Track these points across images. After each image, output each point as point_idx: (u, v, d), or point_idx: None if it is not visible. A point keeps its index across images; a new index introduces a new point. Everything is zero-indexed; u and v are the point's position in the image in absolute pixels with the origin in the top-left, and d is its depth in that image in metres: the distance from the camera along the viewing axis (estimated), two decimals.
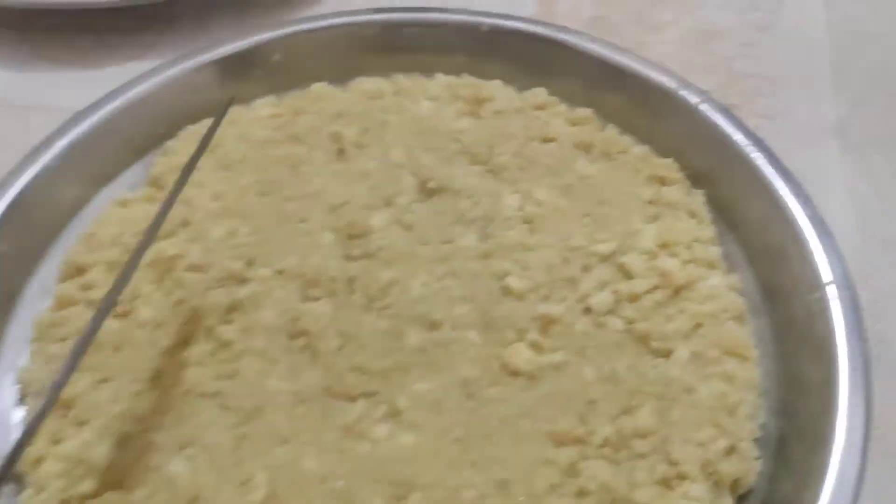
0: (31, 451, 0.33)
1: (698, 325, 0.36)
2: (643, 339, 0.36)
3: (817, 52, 0.54)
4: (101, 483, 0.32)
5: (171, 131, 0.45)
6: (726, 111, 0.42)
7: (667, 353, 0.35)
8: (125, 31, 0.54)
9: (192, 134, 0.44)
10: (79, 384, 0.35)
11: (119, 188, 0.44)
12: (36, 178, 0.41)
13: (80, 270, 0.39)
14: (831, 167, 0.47)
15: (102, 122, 0.44)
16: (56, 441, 0.33)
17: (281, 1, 0.56)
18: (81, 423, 0.34)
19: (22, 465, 0.33)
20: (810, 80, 0.52)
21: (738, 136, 0.41)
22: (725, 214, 0.41)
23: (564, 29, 0.47)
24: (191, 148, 0.42)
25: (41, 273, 0.40)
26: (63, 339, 0.36)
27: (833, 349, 0.34)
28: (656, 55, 0.52)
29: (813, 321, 0.35)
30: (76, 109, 0.44)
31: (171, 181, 0.41)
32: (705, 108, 0.42)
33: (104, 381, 0.35)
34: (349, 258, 0.39)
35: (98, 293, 0.38)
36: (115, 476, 0.32)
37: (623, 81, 0.45)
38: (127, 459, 0.32)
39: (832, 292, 0.35)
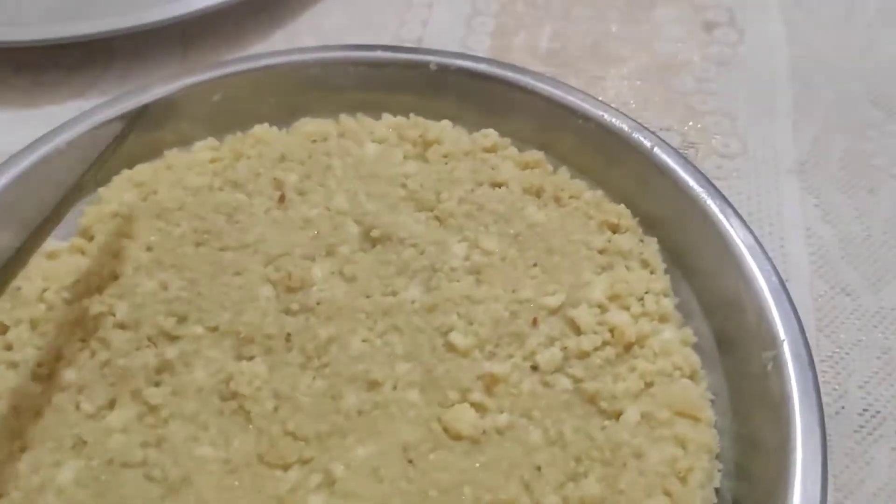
0: None
1: (649, 385, 0.35)
2: (592, 399, 0.34)
3: (779, 87, 0.53)
4: None
5: (103, 179, 0.43)
6: (680, 155, 0.41)
7: (616, 415, 0.34)
8: (64, 68, 0.52)
9: (125, 180, 0.42)
10: None
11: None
12: None
13: (2, 328, 0.37)
14: (792, 209, 0.46)
15: (34, 167, 0.42)
16: None
17: (224, 39, 0.54)
18: None
19: None
20: (771, 116, 0.51)
21: (692, 182, 0.40)
22: (679, 262, 0.40)
23: (514, 67, 0.46)
24: (123, 195, 0.41)
25: None
26: None
27: (789, 412, 0.32)
28: (613, 91, 0.51)
29: (768, 380, 0.34)
30: (12, 151, 0.42)
31: (99, 233, 0.40)
32: (659, 151, 0.41)
33: (23, 450, 0.33)
34: (287, 312, 0.37)
35: (20, 354, 0.36)
36: None
37: (575, 123, 0.44)
38: None
39: (787, 350, 0.34)
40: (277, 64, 0.46)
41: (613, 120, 0.43)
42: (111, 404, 0.34)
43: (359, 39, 0.49)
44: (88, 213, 0.41)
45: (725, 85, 0.53)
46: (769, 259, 0.37)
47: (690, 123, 0.50)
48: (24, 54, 0.52)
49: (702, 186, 0.40)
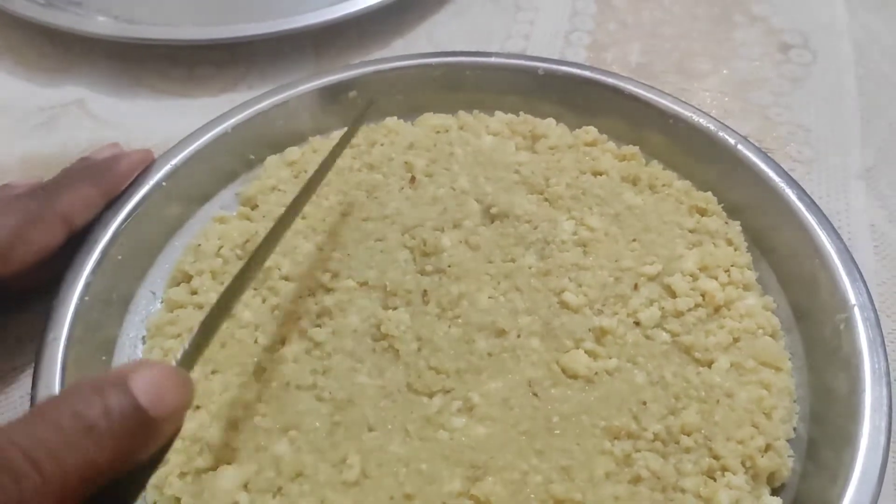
0: None
1: (736, 340, 0.41)
2: (687, 350, 0.40)
3: (847, 103, 0.58)
4: (216, 459, 0.37)
5: (259, 159, 0.50)
6: (761, 152, 0.47)
7: (709, 363, 0.40)
8: (214, 65, 0.60)
9: (276, 161, 0.50)
10: (192, 375, 0.39)
11: (212, 208, 0.49)
12: (145, 196, 0.46)
13: (187, 277, 0.44)
14: (858, 209, 0.51)
15: (201, 149, 0.49)
16: None
17: (350, 46, 0.62)
18: (196, 408, 0.38)
19: None
20: (840, 128, 0.56)
21: (772, 174, 0.46)
22: (759, 243, 0.46)
23: (613, 74, 0.52)
24: (278, 173, 0.48)
25: (149, 280, 0.45)
26: (176, 336, 0.41)
27: (859, 362, 0.38)
28: (696, 102, 0.57)
29: (840, 338, 0.40)
30: (171, 133, 0.50)
31: (261, 202, 0.47)
32: (742, 147, 0.47)
33: (214, 372, 0.40)
34: (423, 273, 0.44)
35: (203, 298, 0.43)
36: (228, 454, 0.37)
37: (666, 123, 0.50)
38: (237, 440, 0.37)
39: (858, 313, 0.40)
40: (406, 66, 0.53)
41: (701, 120, 0.49)
42: (282, 340, 0.41)
43: (469, 49, 0.56)
44: (251, 186, 0.48)
45: (799, 99, 0.58)
46: (840, 238, 0.43)
47: (767, 133, 0.56)
48: (178, 51, 0.60)
49: (781, 178, 0.46)
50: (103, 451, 0.27)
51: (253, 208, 0.47)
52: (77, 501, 0.27)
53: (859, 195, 0.52)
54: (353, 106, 0.53)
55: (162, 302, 0.44)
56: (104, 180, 0.43)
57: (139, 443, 0.29)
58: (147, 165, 0.46)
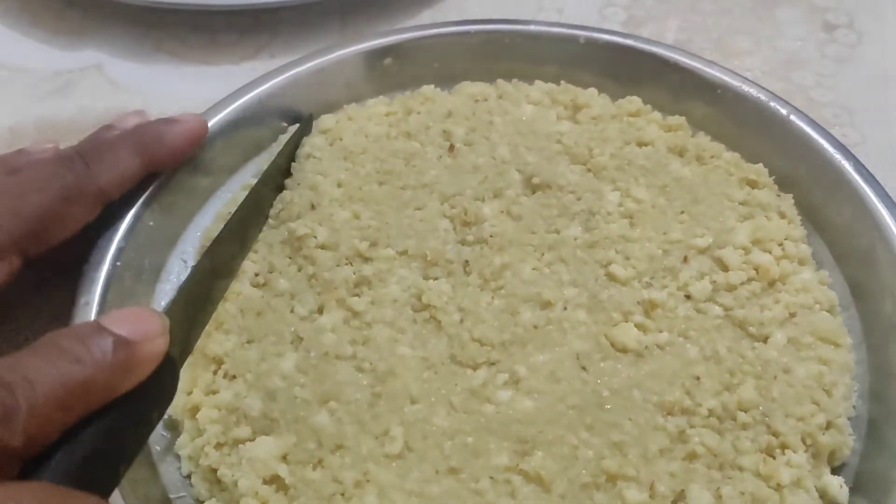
0: (186, 401, 0.37)
1: (792, 315, 0.39)
2: (741, 325, 0.39)
3: (893, 86, 0.56)
4: (253, 430, 0.35)
5: (289, 127, 0.49)
6: (815, 123, 0.45)
7: (763, 338, 0.38)
8: (237, 32, 0.58)
9: (313, 127, 0.48)
10: (226, 344, 0.38)
11: (244, 176, 0.47)
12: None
13: None
14: None
15: (233, 117, 0.47)
16: (210, 392, 0.37)
17: (377, 14, 0.60)
18: (232, 378, 0.37)
19: (176, 413, 0.37)
20: (885, 110, 0.54)
21: (827, 146, 0.44)
22: (812, 217, 0.44)
23: (657, 42, 0.51)
24: (313, 139, 0.46)
25: (180, 248, 0.44)
26: None
27: None
28: None
29: None
30: (191, 101, 0.48)
31: (296, 170, 0.45)
32: (795, 118, 0.45)
33: (250, 341, 0.38)
34: (464, 243, 0.42)
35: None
36: (265, 425, 0.35)
37: (713, 93, 0.48)
38: (275, 410, 0.36)
39: None
40: (444, 33, 0.51)
41: (751, 90, 0.47)
42: (320, 309, 0.40)
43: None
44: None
45: (843, 81, 0.56)
46: None
47: (810, 114, 0.53)
48: (199, 17, 0.58)
49: (837, 149, 0.44)
50: (82, 375, 0.27)
51: (288, 176, 0.46)
52: (57, 427, 0.26)
53: None
54: (386, 74, 0.51)
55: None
56: (148, 152, 0.41)
57: (118, 369, 0.28)
58: (199, 138, 0.43)
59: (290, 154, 0.46)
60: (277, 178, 0.45)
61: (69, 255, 0.39)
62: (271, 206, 0.44)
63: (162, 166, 0.42)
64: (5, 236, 0.36)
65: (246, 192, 0.45)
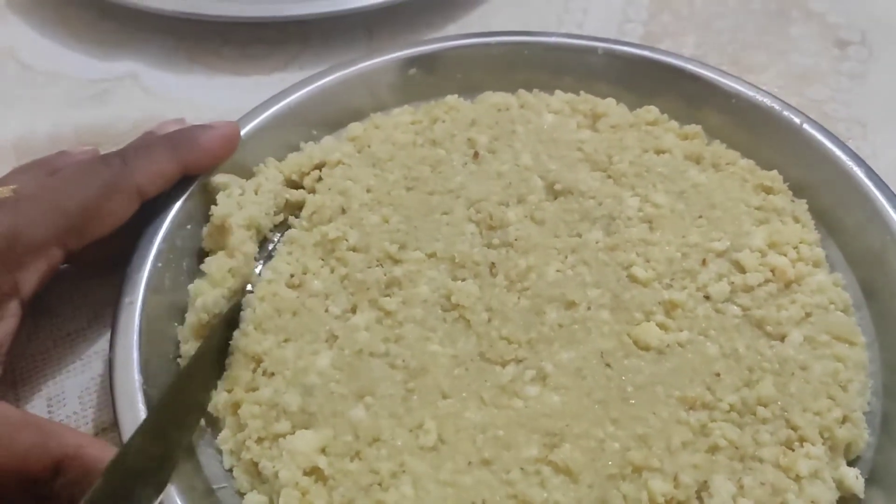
0: (227, 399, 0.38)
1: (808, 315, 0.41)
2: (759, 324, 0.40)
3: None
4: (293, 424, 0.37)
5: (321, 134, 0.51)
6: (827, 131, 0.47)
7: (781, 337, 0.40)
8: (266, 44, 0.60)
9: (333, 140, 0.50)
10: (264, 343, 0.40)
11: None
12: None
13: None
14: None
15: (264, 125, 0.49)
16: (250, 389, 0.38)
17: (403, 28, 0.62)
18: (271, 375, 0.39)
19: (217, 411, 0.38)
20: None
21: (840, 153, 0.46)
22: (825, 222, 0.46)
23: (673, 54, 0.52)
24: (342, 147, 0.48)
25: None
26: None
27: None
28: None
29: None
30: (223, 110, 0.50)
31: (326, 176, 0.47)
32: (808, 127, 0.47)
33: (287, 340, 0.40)
34: (489, 246, 0.44)
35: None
36: (304, 419, 0.37)
37: (728, 102, 0.50)
38: (313, 405, 0.37)
39: None
40: (466, 45, 0.53)
41: (765, 100, 0.49)
42: (353, 309, 0.41)
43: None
44: (315, 159, 0.48)
45: (857, 96, 0.58)
46: None
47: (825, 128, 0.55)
48: (231, 28, 0.60)
49: (848, 156, 0.46)
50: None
51: (318, 181, 0.47)
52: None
53: None
54: (411, 84, 0.53)
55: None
56: (184, 153, 0.43)
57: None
58: (233, 142, 0.45)
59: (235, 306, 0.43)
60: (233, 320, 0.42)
61: (108, 252, 0.41)
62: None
63: (197, 168, 0.44)
64: (48, 231, 0.38)
65: None
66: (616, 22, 0.63)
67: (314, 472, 0.36)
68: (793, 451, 0.36)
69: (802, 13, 0.64)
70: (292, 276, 0.43)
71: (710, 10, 0.64)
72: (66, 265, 0.40)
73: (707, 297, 0.41)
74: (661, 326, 0.40)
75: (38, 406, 0.41)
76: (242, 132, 0.47)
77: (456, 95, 0.52)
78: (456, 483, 0.35)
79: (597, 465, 0.35)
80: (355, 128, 0.50)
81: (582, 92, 0.52)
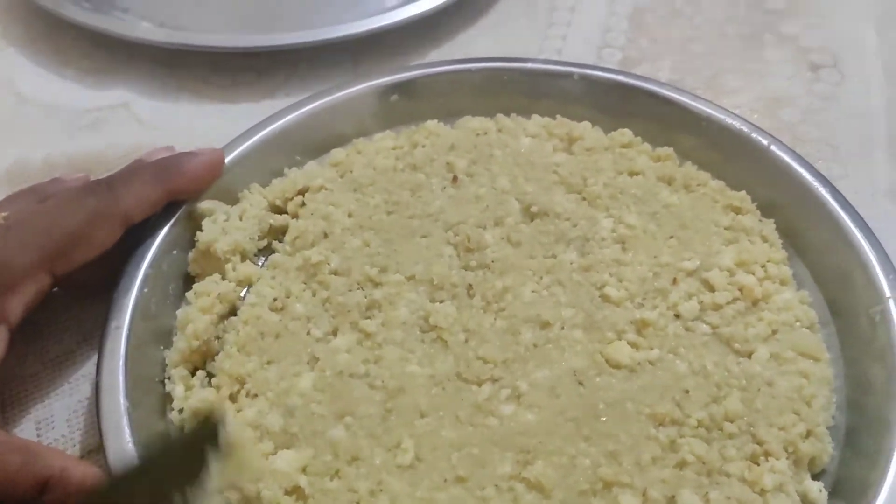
0: None
1: (775, 332, 0.42)
2: (727, 341, 0.42)
3: (876, 122, 0.59)
4: (275, 444, 0.38)
5: (305, 160, 0.52)
6: (793, 152, 0.48)
7: (748, 354, 0.41)
8: (255, 72, 0.62)
9: (316, 166, 0.52)
10: (248, 365, 0.41)
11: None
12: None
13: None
14: (886, 226, 0.49)
15: (249, 151, 0.50)
16: (237, 410, 0.39)
17: (387, 54, 0.63)
18: (254, 396, 0.40)
19: None
20: (869, 146, 0.57)
21: (805, 173, 0.47)
22: (793, 241, 0.47)
23: (646, 78, 0.54)
24: (325, 172, 0.49)
25: None
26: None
27: (895, 353, 0.39)
28: None
29: (875, 330, 0.41)
30: (214, 137, 0.51)
31: (309, 201, 0.48)
32: (775, 148, 0.49)
33: (269, 362, 0.41)
34: (467, 268, 0.45)
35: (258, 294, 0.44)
36: (286, 439, 0.38)
37: (699, 125, 0.51)
38: (294, 426, 0.38)
39: (893, 305, 0.41)
40: (447, 71, 0.55)
41: (734, 122, 0.51)
42: (334, 331, 0.43)
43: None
44: (298, 185, 0.50)
45: (829, 118, 0.59)
46: (873, 234, 0.44)
47: (796, 149, 0.56)
48: (220, 58, 0.62)
49: (814, 177, 0.47)
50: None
51: (301, 206, 0.49)
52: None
53: (887, 211, 0.52)
54: (392, 109, 0.54)
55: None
56: (169, 180, 0.44)
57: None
58: (217, 168, 0.47)
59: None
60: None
61: (96, 276, 0.43)
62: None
63: (183, 193, 0.45)
64: (37, 255, 0.39)
65: None
66: (595, 47, 0.65)
67: (295, 492, 0.37)
68: (758, 465, 0.37)
69: (776, 37, 0.66)
70: (275, 299, 0.44)
71: (685, 35, 0.66)
72: (55, 289, 0.42)
73: (677, 316, 0.43)
74: (633, 345, 0.41)
75: (26, 429, 0.42)
76: (227, 158, 0.48)
77: (436, 120, 0.54)
78: (432, 500, 0.36)
79: (568, 482, 0.37)
80: (338, 153, 0.52)
81: (558, 116, 0.53)
